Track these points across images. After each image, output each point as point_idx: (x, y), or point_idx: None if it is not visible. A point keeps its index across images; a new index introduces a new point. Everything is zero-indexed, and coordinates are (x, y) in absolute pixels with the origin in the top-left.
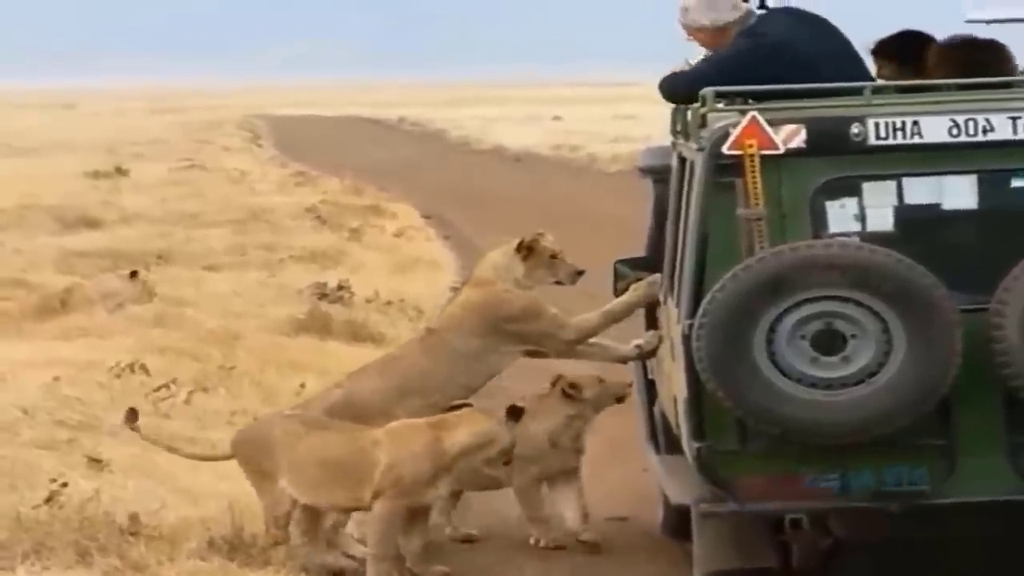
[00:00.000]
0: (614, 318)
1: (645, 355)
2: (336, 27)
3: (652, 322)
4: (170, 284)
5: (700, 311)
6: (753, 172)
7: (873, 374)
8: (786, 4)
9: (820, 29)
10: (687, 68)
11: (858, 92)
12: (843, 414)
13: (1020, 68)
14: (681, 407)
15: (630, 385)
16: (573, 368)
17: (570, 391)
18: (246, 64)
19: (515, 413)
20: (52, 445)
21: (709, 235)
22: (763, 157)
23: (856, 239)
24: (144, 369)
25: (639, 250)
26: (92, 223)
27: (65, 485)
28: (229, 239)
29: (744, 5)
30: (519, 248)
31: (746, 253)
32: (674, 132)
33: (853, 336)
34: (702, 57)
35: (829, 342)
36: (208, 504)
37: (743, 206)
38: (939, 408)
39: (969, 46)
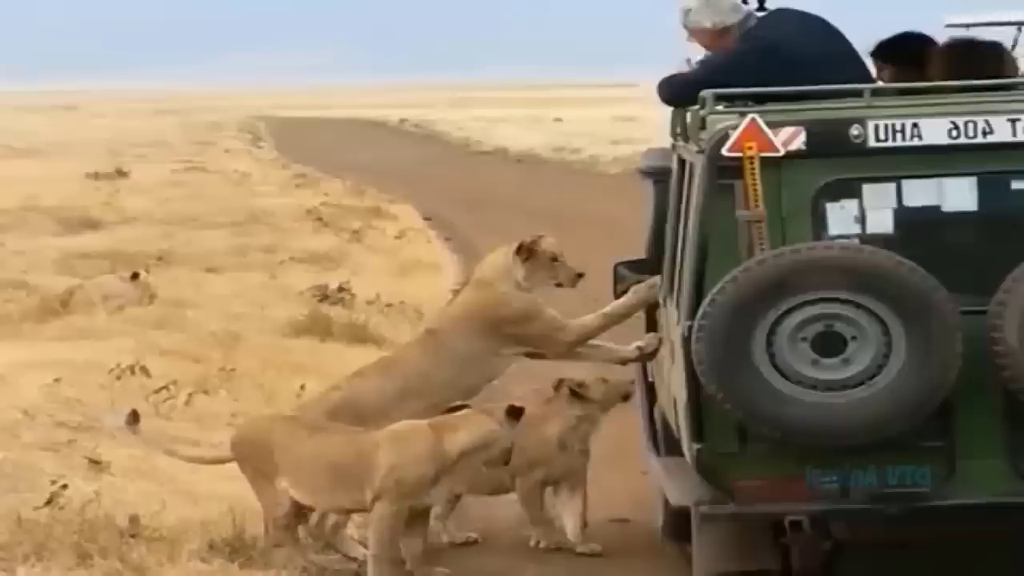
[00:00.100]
0: (614, 320)
1: (645, 357)
2: (336, 30)
3: (652, 324)
4: (171, 286)
5: (700, 313)
6: (753, 174)
7: (873, 376)
8: (783, 6)
9: (819, 30)
10: (688, 68)
11: (858, 94)
12: (843, 416)
13: (1020, 70)
14: (681, 409)
15: (633, 383)
16: (572, 371)
17: (579, 391)
18: (247, 66)
19: (515, 413)
20: (52, 447)
21: (709, 237)
22: (763, 159)
23: (856, 241)
24: (144, 371)
25: (639, 252)
26: (93, 225)
27: (65, 487)
28: (230, 241)
29: (745, 7)
30: (519, 250)
31: (746, 255)
32: (674, 134)
33: (853, 338)
34: (702, 57)
35: (829, 344)
36: (209, 506)
37: (743, 208)
38: (939, 410)
39: (969, 48)
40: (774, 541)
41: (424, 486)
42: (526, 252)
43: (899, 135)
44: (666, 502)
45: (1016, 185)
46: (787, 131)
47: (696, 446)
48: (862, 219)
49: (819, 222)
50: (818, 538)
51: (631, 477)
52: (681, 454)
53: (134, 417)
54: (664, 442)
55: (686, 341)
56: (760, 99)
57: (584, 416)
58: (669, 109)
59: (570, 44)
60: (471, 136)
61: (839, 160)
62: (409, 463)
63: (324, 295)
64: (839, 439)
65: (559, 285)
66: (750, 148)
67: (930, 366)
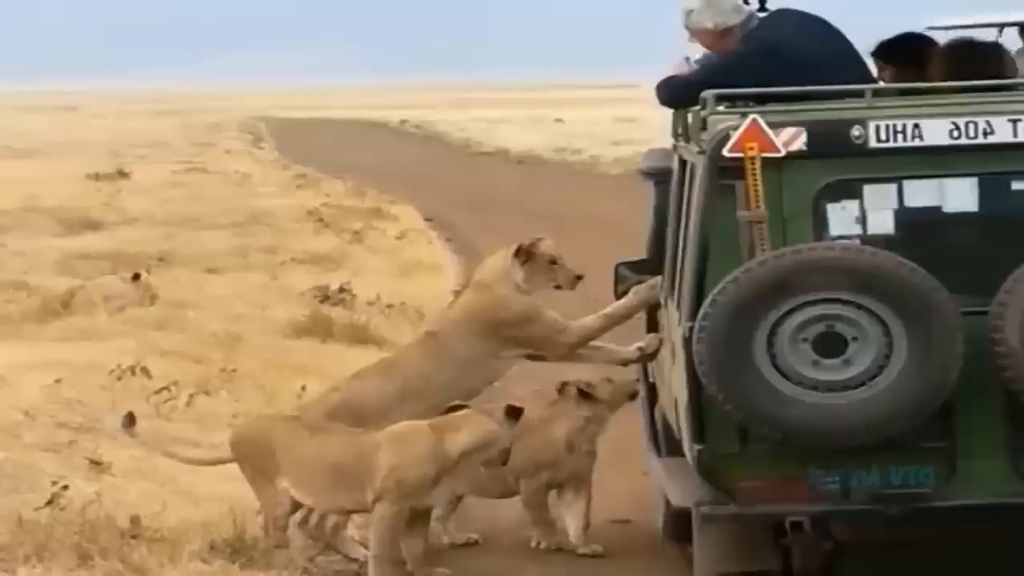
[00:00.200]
0: (615, 321)
1: (646, 358)
2: (336, 30)
3: (653, 325)
4: (171, 286)
5: (701, 314)
6: (754, 175)
7: (874, 377)
8: (785, 6)
9: (820, 31)
10: (687, 67)
11: (859, 94)
12: (844, 417)
13: (1021, 71)
14: (682, 410)
15: (638, 382)
16: (573, 372)
17: (587, 391)
18: (247, 67)
19: (513, 413)
20: (53, 447)
21: (710, 238)
22: (764, 160)
23: (857, 242)
24: (145, 372)
25: (640, 252)
26: (93, 225)
27: (66, 488)
28: (231, 241)
29: (747, 8)
30: (517, 253)
31: (747, 256)
32: (675, 135)
33: (854, 339)
34: (702, 56)
35: (830, 345)
36: (209, 507)
37: (744, 209)
38: (940, 411)
39: (969, 48)
40: (775, 542)
41: (425, 487)
42: (524, 255)
43: (900, 136)
44: (667, 503)
45: (1017, 186)
46: (788, 132)
47: (697, 447)
48: (863, 220)
49: (820, 223)
50: (819, 539)
51: (632, 478)
52: (682, 455)
53: (130, 419)
54: (665, 443)
55: (687, 342)
56: (761, 100)
57: (592, 417)
58: (670, 110)
59: (571, 44)
60: (472, 137)
61: (840, 161)
62: (410, 464)
63: (325, 296)
64: (840, 440)
65: (558, 287)
66: (751, 149)
67: (931, 367)
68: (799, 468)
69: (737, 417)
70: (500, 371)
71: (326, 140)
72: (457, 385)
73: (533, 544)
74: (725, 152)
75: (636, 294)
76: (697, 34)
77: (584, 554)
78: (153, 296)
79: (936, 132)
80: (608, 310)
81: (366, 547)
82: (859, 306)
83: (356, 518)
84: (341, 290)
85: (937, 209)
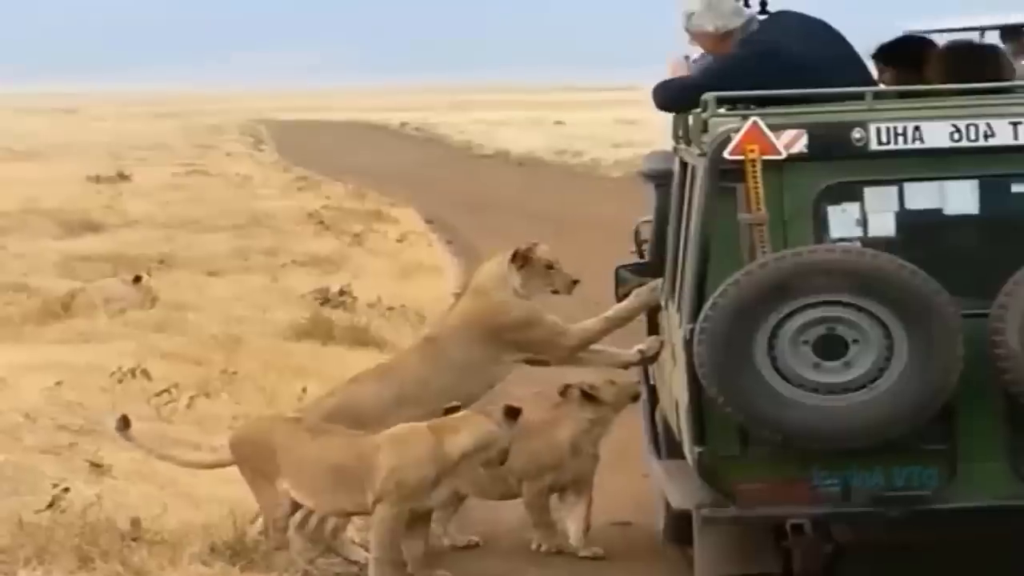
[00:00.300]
0: (616, 324)
1: (647, 360)
2: (336, 31)
3: (654, 327)
4: (172, 289)
5: (701, 316)
6: (755, 177)
7: (875, 379)
8: (785, 9)
9: (821, 33)
10: (687, 65)
11: (860, 97)
12: (844, 419)
13: (1019, 73)
14: (682, 412)
15: (640, 383)
16: (573, 375)
17: (591, 393)
18: (247, 68)
19: (512, 413)
20: (54, 450)
21: (711, 240)
22: (765, 162)
23: (858, 244)
24: (146, 374)
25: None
26: (94, 227)
27: (67, 490)
28: (231, 244)
29: (747, 11)
30: (514, 258)
31: (748, 258)
32: (676, 137)
33: (855, 341)
34: (700, 55)
35: (830, 347)
36: (210, 509)
37: (745, 211)
38: (940, 413)
39: (968, 51)
40: (775, 544)
41: (425, 488)
42: (521, 259)
43: (901, 138)
44: (667, 505)
45: (1017, 188)
46: (789, 134)
47: (697, 449)
48: (864, 222)
49: (821, 225)
50: (819, 541)
51: (633, 480)
52: (682, 457)
53: (125, 422)
54: (665, 445)
55: (688, 344)
56: (761, 102)
57: (595, 419)
58: (668, 113)
59: (571, 46)
60: (472, 139)
61: (841, 163)
62: (410, 465)
63: (325, 298)
64: (840, 442)
65: (555, 292)
66: (752, 151)
67: (931, 369)
68: (800, 470)
69: (737, 419)
70: (500, 376)
71: (326, 142)
72: (456, 390)
73: (534, 546)
74: (726, 154)
75: (637, 296)
76: (697, 37)
77: (585, 556)
78: (153, 298)
79: (937, 134)
80: (609, 313)
81: (366, 549)
82: (860, 308)
83: (356, 520)
84: (342, 292)
85: (938, 211)
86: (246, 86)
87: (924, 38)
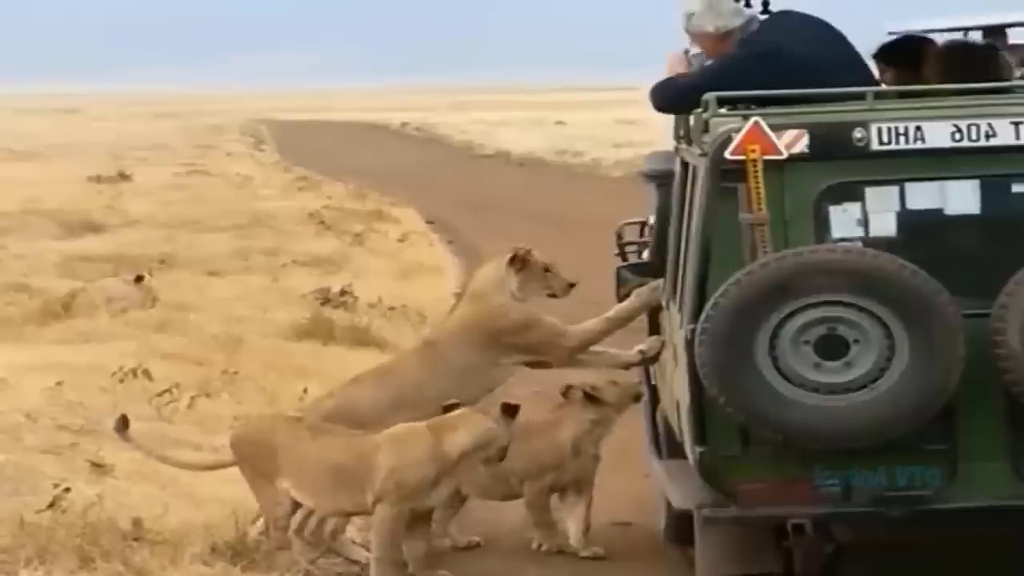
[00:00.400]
0: (616, 324)
1: (648, 360)
2: (336, 32)
3: (655, 327)
4: (173, 289)
5: (703, 316)
6: (756, 177)
7: (875, 379)
8: (787, 8)
9: (822, 33)
10: (688, 60)
11: (861, 97)
12: (845, 419)
13: (1017, 73)
14: (683, 412)
15: (642, 383)
16: (574, 375)
17: (594, 393)
18: (247, 69)
19: (509, 411)
20: (55, 450)
21: (712, 240)
22: (766, 162)
23: (859, 244)
24: (147, 374)
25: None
26: (95, 228)
27: (68, 490)
28: (232, 244)
29: (748, 11)
30: (512, 261)
31: (749, 258)
32: (677, 137)
33: (856, 341)
34: (701, 51)
35: (831, 347)
36: (211, 509)
37: (746, 211)
38: (941, 413)
39: (965, 50)
40: (776, 544)
41: (425, 488)
42: (520, 263)
43: (902, 138)
44: (668, 505)
45: (1019, 188)
46: (790, 134)
47: (698, 449)
48: (865, 222)
49: (822, 225)
50: (820, 541)
51: (633, 480)
52: (683, 457)
53: (123, 423)
54: (666, 445)
55: (689, 344)
56: (762, 102)
57: (598, 420)
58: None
59: (572, 46)
60: (473, 139)
61: (842, 163)
62: (409, 465)
63: (326, 298)
64: (841, 442)
65: (552, 295)
66: (753, 151)
67: (932, 369)
68: (801, 470)
69: (739, 419)
70: (500, 380)
71: (327, 142)
72: (455, 394)
73: (535, 546)
74: (727, 155)
75: (638, 297)
76: (697, 38)
77: (585, 556)
78: (154, 298)
79: (938, 134)
80: (610, 313)
81: (367, 549)
82: (861, 308)
83: (357, 520)
84: (342, 292)
85: (939, 211)
86: (246, 86)
87: (924, 38)
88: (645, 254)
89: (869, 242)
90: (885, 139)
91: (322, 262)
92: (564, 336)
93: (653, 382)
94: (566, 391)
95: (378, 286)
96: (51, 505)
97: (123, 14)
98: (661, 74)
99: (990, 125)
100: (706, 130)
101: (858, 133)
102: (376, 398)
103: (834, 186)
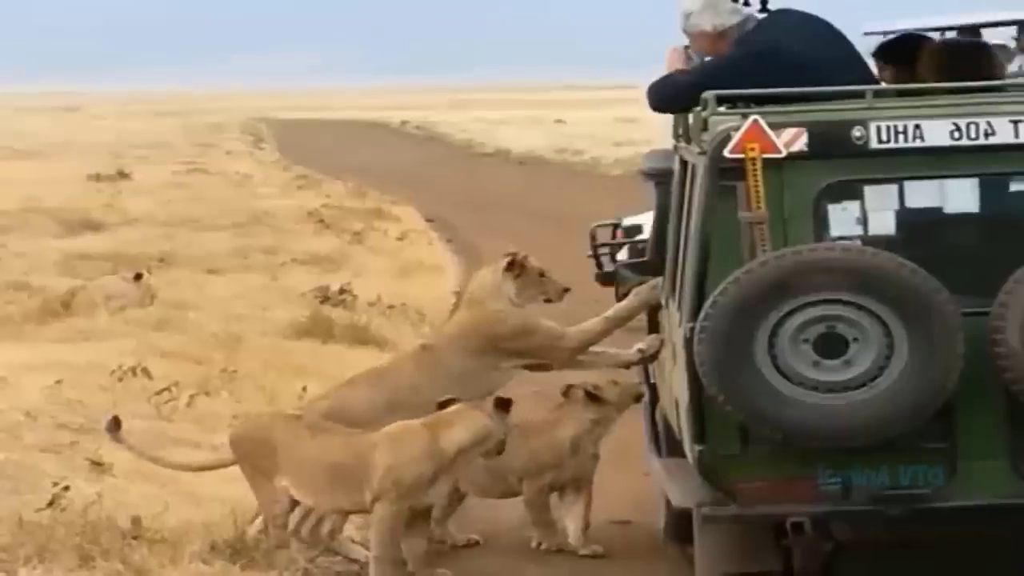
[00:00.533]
0: (616, 323)
1: (647, 359)
2: (336, 31)
3: (654, 326)
4: (172, 287)
5: (702, 314)
6: (755, 176)
7: (875, 378)
8: (785, 7)
9: (820, 32)
10: (686, 56)
11: (860, 95)
12: (845, 418)
13: (1009, 70)
14: (683, 410)
15: (643, 383)
16: (573, 375)
17: (595, 393)
18: (247, 68)
19: (503, 405)
20: (54, 448)
21: (711, 239)
22: (765, 161)
23: (858, 242)
24: (146, 372)
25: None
26: (94, 226)
27: (67, 488)
28: (231, 242)
29: (745, 10)
30: (511, 266)
31: (748, 256)
32: (676, 136)
33: (855, 340)
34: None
35: (831, 346)
36: (211, 507)
37: (745, 210)
38: (940, 411)
39: (954, 47)
40: (776, 543)
41: (422, 485)
42: (518, 268)
43: (901, 136)
44: (668, 503)
45: (1017, 186)
46: (789, 132)
47: (698, 447)
48: (864, 220)
49: (821, 223)
50: (820, 539)
51: (633, 479)
52: (683, 455)
53: (115, 424)
54: (666, 443)
55: (688, 342)
56: (761, 100)
57: (599, 419)
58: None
59: (571, 45)
60: (473, 138)
61: (841, 161)
62: (406, 463)
63: (326, 297)
64: (841, 441)
65: (548, 300)
66: (752, 149)
67: (932, 368)
68: (800, 469)
69: (738, 418)
70: (498, 383)
71: (327, 141)
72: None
73: (534, 545)
74: (726, 153)
75: (637, 295)
76: (695, 38)
77: (585, 555)
78: (153, 297)
79: (937, 133)
80: (609, 312)
81: (366, 548)
82: (860, 307)
83: (356, 519)
84: (342, 291)
85: (938, 210)
86: (246, 86)
87: (923, 36)
88: (620, 255)
89: (868, 240)
90: (884, 137)
91: (321, 260)
92: (563, 338)
93: (652, 380)
94: (567, 391)
95: (377, 284)
96: (50, 504)
97: (123, 14)
98: (660, 72)
99: (989, 123)
100: (705, 128)
101: (857, 131)
102: (371, 400)
103: (833, 184)
